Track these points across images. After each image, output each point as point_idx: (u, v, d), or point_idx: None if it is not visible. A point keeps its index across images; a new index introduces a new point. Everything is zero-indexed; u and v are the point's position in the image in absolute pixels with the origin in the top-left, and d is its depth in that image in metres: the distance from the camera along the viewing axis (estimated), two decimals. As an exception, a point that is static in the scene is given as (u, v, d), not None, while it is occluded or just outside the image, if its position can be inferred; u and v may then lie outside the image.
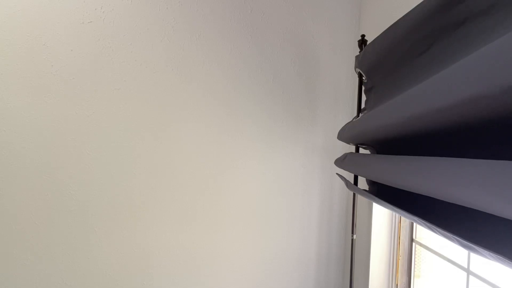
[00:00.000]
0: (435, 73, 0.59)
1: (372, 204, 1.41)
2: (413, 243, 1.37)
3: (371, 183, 1.16)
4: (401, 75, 0.92)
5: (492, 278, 0.91)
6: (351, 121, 1.25)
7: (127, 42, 1.44)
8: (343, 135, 1.23)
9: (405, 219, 1.40)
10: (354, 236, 1.37)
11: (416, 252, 1.36)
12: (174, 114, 1.50)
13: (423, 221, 0.67)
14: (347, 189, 1.46)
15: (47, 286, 1.44)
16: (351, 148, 1.54)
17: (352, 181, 1.30)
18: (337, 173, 1.41)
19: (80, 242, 1.45)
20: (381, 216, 1.42)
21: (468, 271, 1.01)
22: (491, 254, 0.49)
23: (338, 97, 1.65)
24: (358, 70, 1.23)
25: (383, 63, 1.02)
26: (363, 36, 1.30)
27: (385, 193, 1.03)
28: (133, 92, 1.46)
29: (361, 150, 1.30)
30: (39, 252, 1.42)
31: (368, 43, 1.26)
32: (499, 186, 0.40)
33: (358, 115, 1.27)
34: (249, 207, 1.60)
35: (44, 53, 1.38)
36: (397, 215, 1.40)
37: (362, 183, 1.32)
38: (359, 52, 1.27)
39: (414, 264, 1.36)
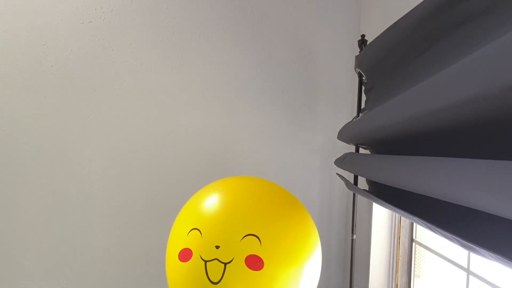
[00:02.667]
0: (435, 73, 0.59)
1: (372, 204, 1.41)
2: (413, 243, 1.37)
3: (371, 183, 1.16)
4: (401, 75, 0.92)
5: (492, 278, 0.91)
6: (351, 121, 1.25)
7: (127, 42, 1.44)
8: (343, 135, 1.23)
9: (405, 219, 1.40)
10: (354, 236, 1.37)
11: (416, 252, 1.36)
12: (174, 114, 1.50)
13: (423, 221, 0.67)
14: (347, 189, 1.46)
15: (46, 286, 1.44)
16: (351, 148, 1.54)
17: (352, 181, 1.30)
18: (337, 173, 1.41)
19: (80, 242, 1.45)
20: (381, 216, 1.42)
21: (468, 271, 1.01)
22: (491, 254, 0.49)
23: (338, 97, 1.65)
24: (358, 70, 1.23)
25: (383, 63, 1.02)
26: (363, 36, 1.30)
27: (385, 193, 1.03)
28: (133, 92, 1.46)
29: (361, 150, 1.30)
30: (38, 252, 1.42)
31: (368, 43, 1.26)
32: (499, 186, 0.40)
33: (358, 115, 1.27)
34: (249, 207, 1.60)
35: (44, 53, 1.38)
36: (397, 215, 1.40)
37: (362, 183, 1.32)
38: (359, 52, 1.27)
39: (414, 264, 1.36)
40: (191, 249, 0.74)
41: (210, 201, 0.85)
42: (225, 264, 0.70)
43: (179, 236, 0.81)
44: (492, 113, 0.44)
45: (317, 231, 0.90)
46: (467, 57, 0.48)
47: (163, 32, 1.47)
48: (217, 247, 0.72)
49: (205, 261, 0.71)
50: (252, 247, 0.72)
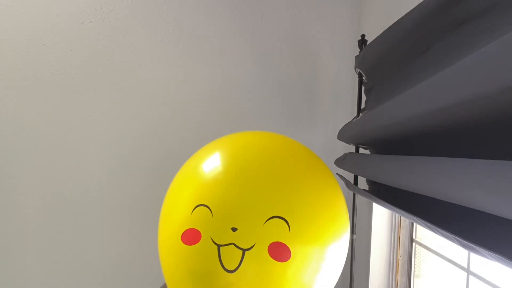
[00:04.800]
0: (435, 73, 0.59)
1: (372, 204, 1.41)
2: (413, 243, 1.37)
3: (371, 183, 1.16)
4: (401, 75, 0.92)
5: (492, 278, 0.91)
6: (351, 121, 1.25)
7: (127, 42, 1.44)
8: (343, 135, 1.23)
9: (405, 219, 1.40)
10: (354, 236, 1.37)
11: (416, 252, 1.36)
12: (174, 114, 1.50)
13: (423, 221, 0.67)
14: (347, 189, 1.46)
15: (47, 286, 1.44)
16: (351, 148, 1.54)
17: (352, 181, 1.30)
18: (337, 173, 1.41)
19: (80, 242, 1.45)
20: (381, 216, 1.42)
21: (468, 271, 1.01)
22: (491, 254, 0.49)
23: (338, 97, 1.65)
24: (358, 70, 1.23)
25: (383, 63, 1.02)
26: (363, 36, 1.30)
27: (385, 193, 1.03)
28: (133, 92, 1.46)
29: (361, 150, 1.30)
30: (39, 252, 1.42)
31: (368, 43, 1.26)
32: (499, 186, 0.40)
33: (358, 115, 1.27)
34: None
35: (44, 53, 1.38)
36: (397, 215, 1.40)
37: (362, 183, 1.32)
38: (359, 52, 1.27)
39: (414, 264, 1.36)
40: (199, 230, 0.61)
41: (221, 168, 0.68)
42: (244, 250, 0.58)
43: (179, 214, 0.65)
44: (492, 113, 0.44)
45: (347, 208, 0.79)
46: (467, 57, 0.48)
47: (163, 32, 1.47)
48: (234, 229, 0.59)
49: (218, 245, 0.59)
50: (279, 233, 0.59)
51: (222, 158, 0.71)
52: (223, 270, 0.59)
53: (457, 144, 0.66)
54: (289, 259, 0.59)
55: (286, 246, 0.59)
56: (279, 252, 0.59)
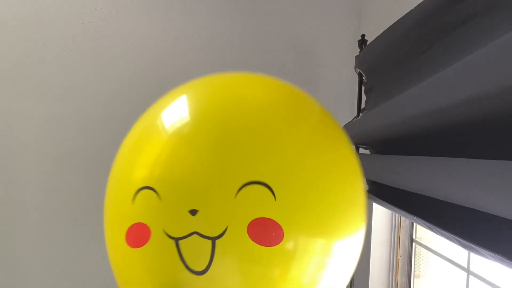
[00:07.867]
0: (435, 73, 0.59)
1: (372, 204, 1.41)
2: (413, 243, 1.37)
3: (371, 183, 1.16)
4: (401, 75, 0.92)
5: (492, 278, 0.91)
6: (351, 121, 1.25)
7: (127, 42, 1.44)
8: (343, 135, 1.22)
9: (405, 219, 1.40)
10: (354, 236, 1.37)
11: (416, 252, 1.36)
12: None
13: (423, 221, 0.67)
14: (347, 189, 1.46)
15: (46, 286, 1.44)
16: (351, 148, 1.54)
17: (352, 181, 1.30)
18: (337, 173, 1.41)
19: (80, 243, 1.45)
20: (381, 216, 1.42)
21: (468, 271, 1.01)
22: (491, 254, 0.49)
23: (338, 97, 1.65)
24: (358, 70, 1.23)
25: (383, 63, 1.02)
26: (363, 36, 1.30)
27: (385, 193, 1.03)
28: (133, 92, 1.46)
29: (361, 150, 1.30)
30: (38, 252, 1.42)
31: (368, 43, 1.26)
32: (499, 186, 0.40)
33: (358, 115, 1.27)
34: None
35: (44, 53, 1.38)
36: (397, 215, 1.40)
37: (362, 183, 1.32)
38: (359, 52, 1.27)
39: (414, 264, 1.36)
40: (146, 223, 0.41)
41: (173, 127, 0.48)
42: (213, 239, 0.39)
43: (119, 205, 0.46)
44: (492, 113, 0.44)
45: (362, 177, 0.57)
46: (467, 57, 0.48)
47: (163, 32, 1.47)
48: (194, 212, 0.39)
49: (176, 239, 0.40)
50: (260, 205, 0.40)
51: (177, 112, 0.49)
52: (189, 273, 0.40)
53: (457, 144, 0.66)
54: (281, 240, 0.39)
55: (274, 222, 0.39)
56: (265, 232, 0.39)
